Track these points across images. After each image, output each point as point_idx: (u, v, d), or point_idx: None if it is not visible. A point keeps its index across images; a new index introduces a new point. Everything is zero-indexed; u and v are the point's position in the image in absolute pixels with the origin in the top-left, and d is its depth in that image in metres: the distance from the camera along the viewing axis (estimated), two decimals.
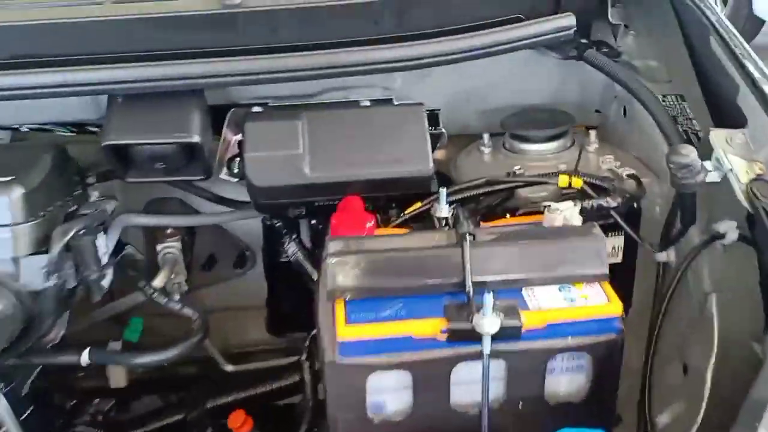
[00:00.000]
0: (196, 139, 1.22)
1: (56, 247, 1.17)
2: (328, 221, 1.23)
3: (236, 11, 1.23)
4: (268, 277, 1.62)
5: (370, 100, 1.38)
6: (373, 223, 1.15)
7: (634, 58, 1.40)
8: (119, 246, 1.42)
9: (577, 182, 1.21)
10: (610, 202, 1.16)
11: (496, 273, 1.02)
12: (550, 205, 1.11)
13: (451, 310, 0.98)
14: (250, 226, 1.55)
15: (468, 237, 1.03)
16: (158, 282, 1.47)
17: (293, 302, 1.48)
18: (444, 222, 1.18)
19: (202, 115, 1.25)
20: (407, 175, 1.26)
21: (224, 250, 1.72)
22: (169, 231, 1.59)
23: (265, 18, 1.24)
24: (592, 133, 1.38)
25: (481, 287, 0.98)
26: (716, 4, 1.29)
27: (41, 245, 1.17)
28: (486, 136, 1.43)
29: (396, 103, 1.39)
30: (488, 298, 0.94)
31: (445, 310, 0.98)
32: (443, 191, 1.19)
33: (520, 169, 1.30)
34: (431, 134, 1.29)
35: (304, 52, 1.21)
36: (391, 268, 1.03)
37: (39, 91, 1.17)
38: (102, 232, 1.26)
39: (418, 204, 1.26)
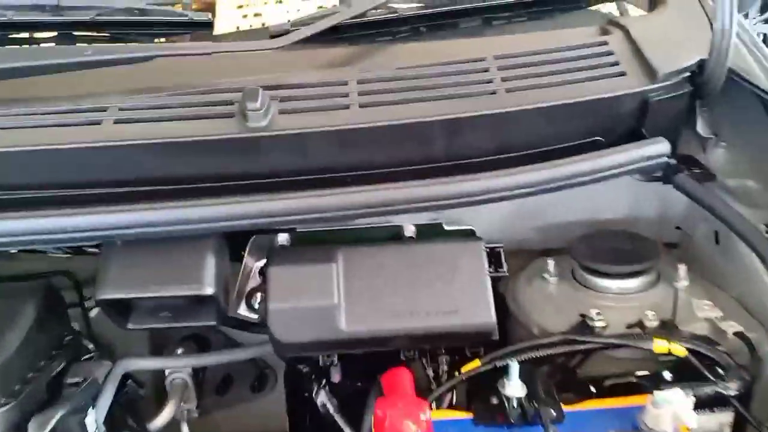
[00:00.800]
0: (209, 291, 1.02)
1: None
2: (367, 377, 1.02)
3: (262, 135, 1.01)
4: (289, 406, 1.40)
5: (416, 226, 1.16)
6: (428, 415, 0.93)
7: (727, 176, 1.18)
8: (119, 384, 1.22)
9: (680, 351, 0.98)
10: (729, 388, 0.94)
11: None
12: (653, 393, 0.89)
13: None
14: None
15: None
16: (162, 420, 1.26)
17: None
18: (516, 403, 0.96)
19: (217, 258, 1.04)
20: (463, 328, 1.04)
21: (241, 369, 1.52)
22: (180, 351, 1.39)
23: (297, 143, 1.02)
24: (682, 268, 1.16)
25: None
26: None
27: None
28: (551, 264, 1.21)
29: (447, 227, 1.18)
30: None
31: None
32: (515, 368, 0.97)
33: (599, 315, 1.08)
34: (492, 277, 1.08)
35: (342, 190, 1.00)
36: None
37: (9, 240, 0.96)
38: (92, 407, 1.04)
39: (476, 363, 1.05)
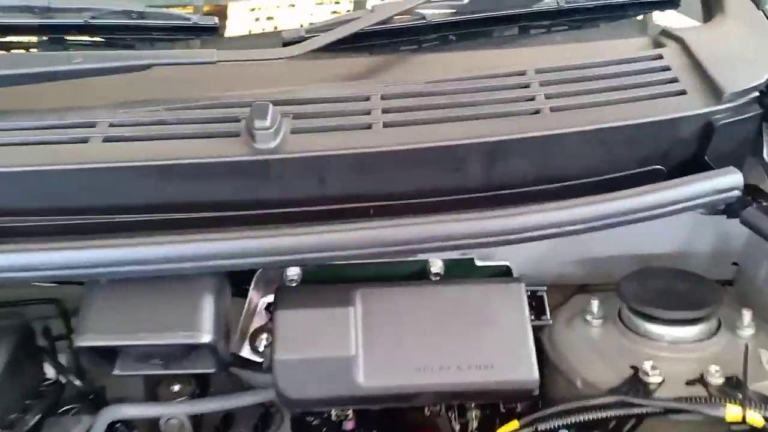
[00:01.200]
0: (206, 339, 0.88)
1: None
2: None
3: (272, 158, 0.88)
4: None
5: (444, 261, 1.03)
6: None
7: None
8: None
9: (757, 422, 0.84)
10: None
11: None
12: None
13: None
14: None
15: None
16: None
17: None
18: None
19: (216, 300, 0.91)
20: (500, 385, 0.90)
21: (243, 408, 1.38)
22: (176, 389, 1.26)
23: (311, 168, 0.89)
24: (747, 314, 1.02)
25: None
26: None
27: None
28: (595, 305, 1.07)
29: (478, 263, 1.04)
30: None
31: None
32: None
33: (654, 369, 0.94)
34: (534, 326, 0.94)
35: (363, 224, 0.86)
36: None
37: None
38: None
39: (515, 425, 0.91)
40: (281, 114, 0.90)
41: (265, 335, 1.01)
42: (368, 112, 0.94)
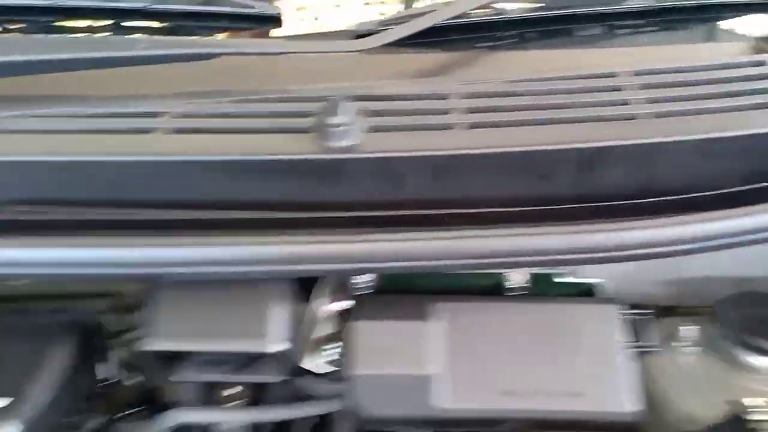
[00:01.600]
0: (276, 348, 0.83)
1: None
2: None
3: (346, 157, 0.81)
4: None
5: (523, 276, 0.95)
6: None
7: None
8: None
9: None
10: None
11: None
12: None
13: None
14: None
15: None
16: None
17: None
18: None
19: (286, 307, 0.85)
20: (592, 415, 0.83)
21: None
22: (230, 393, 1.20)
23: (388, 170, 0.82)
24: None
25: None
26: None
27: None
28: (687, 330, 0.98)
29: (559, 279, 0.96)
30: None
31: None
32: None
33: (758, 404, 0.85)
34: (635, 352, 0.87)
35: (441, 233, 0.79)
36: None
37: (23, 270, 0.78)
38: None
39: None
40: (355, 111, 0.84)
41: (331, 345, 0.95)
42: (447, 112, 0.87)
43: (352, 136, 0.82)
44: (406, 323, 0.86)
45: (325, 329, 0.95)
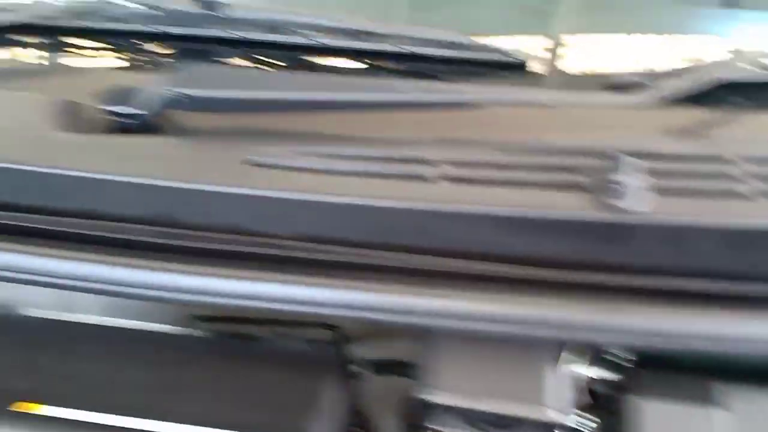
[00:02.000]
0: (554, 418, 0.78)
1: None
2: None
3: (632, 221, 0.77)
4: None
5: None
6: None
7: None
8: None
9: None
10: None
11: None
12: None
13: None
14: None
15: None
16: None
17: None
18: None
19: (563, 372, 0.81)
20: None
21: None
22: None
23: (680, 238, 0.76)
24: None
25: None
26: None
27: None
28: None
29: None
30: None
31: None
32: None
33: None
34: None
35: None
36: None
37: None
38: None
39: None
40: (640, 169, 0.79)
41: (585, 414, 0.89)
42: (737, 178, 0.80)
43: (637, 197, 0.77)
44: (693, 409, 0.79)
45: (581, 397, 0.89)
